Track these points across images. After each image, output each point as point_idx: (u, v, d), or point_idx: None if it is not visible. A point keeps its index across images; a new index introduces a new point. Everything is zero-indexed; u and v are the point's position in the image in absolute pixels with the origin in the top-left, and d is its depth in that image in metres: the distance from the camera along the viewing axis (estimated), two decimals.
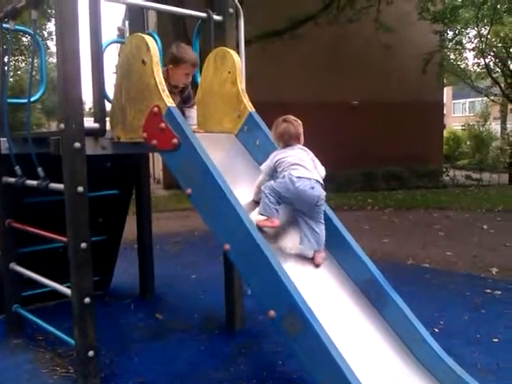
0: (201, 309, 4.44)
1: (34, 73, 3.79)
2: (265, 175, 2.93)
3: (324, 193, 2.77)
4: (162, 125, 2.77)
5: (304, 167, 2.77)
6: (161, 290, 4.93)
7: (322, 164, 2.96)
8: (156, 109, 2.80)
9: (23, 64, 23.09)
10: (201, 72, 3.72)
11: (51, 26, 20.01)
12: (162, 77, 2.85)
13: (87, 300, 3.03)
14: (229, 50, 3.49)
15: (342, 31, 13.67)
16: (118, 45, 4.43)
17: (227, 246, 2.55)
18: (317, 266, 2.74)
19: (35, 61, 3.84)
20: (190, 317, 4.26)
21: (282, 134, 2.93)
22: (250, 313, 4.13)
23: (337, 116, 14.66)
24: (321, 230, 2.76)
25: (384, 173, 14.08)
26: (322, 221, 2.78)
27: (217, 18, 3.73)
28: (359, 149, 14.50)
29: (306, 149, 2.93)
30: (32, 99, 3.65)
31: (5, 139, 3.59)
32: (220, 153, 3.02)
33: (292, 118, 2.98)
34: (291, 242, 2.82)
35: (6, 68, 3.71)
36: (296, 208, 2.80)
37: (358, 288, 2.73)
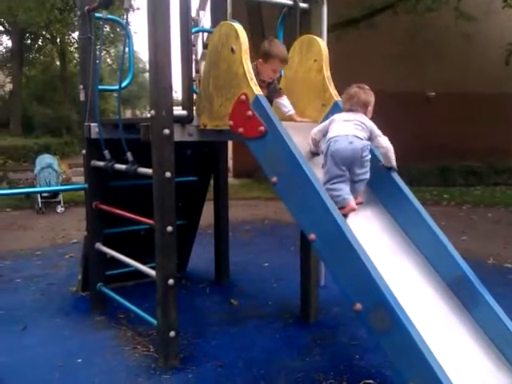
0: (274, 297, 4.46)
1: (106, 61, 3.92)
2: (318, 131, 2.94)
3: (368, 143, 2.72)
4: (249, 112, 2.78)
5: (340, 125, 2.77)
6: (235, 276, 5.00)
7: (395, 155, 2.86)
8: (243, 97, 2.82)
9: (103, 53, 24.16)
10: None
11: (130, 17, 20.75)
12: (250, 65, 2.86)
13: (171, 281, 3.13)
14: (315, 37, 3.45)
15: (420, 20, 13.15)
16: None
17: (312, 236, 2.52)
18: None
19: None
20: (264, 304, 4.29)
21: (352, 96, 2.88)
22: (324, 304, 4.12)
23: (412, 107, 14.16)
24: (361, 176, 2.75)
25: (461, 167, 13.45)
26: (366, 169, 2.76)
27: (303, 5, 3.71)
28: (435, 142, 13.93)
29: (364, 117, 2.84)
30: (122, 85, 3.76)
31: (95, 124, 3.74)
32: (304, 142, 2.98)
33: (366, 86, 2.93)
34: None
35: (97, 56, 3.86)
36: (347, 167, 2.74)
37: (446, 285, 2.63)
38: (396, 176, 2.91)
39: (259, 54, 3.26)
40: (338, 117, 2.87)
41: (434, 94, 14.85)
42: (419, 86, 14.45)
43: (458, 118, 14.39)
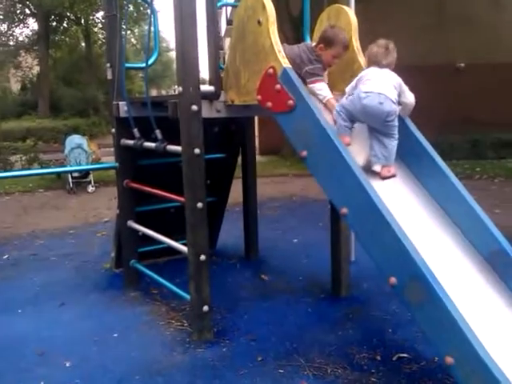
0: (305, 273, 4.46)
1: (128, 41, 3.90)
2: (347, 94, 2.91)
3: (396, 109, 2.71)
4: (278, 86, 2.74)
5: (376, 82, 2.72)
6: (264, 253, 5.02)
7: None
8: (271, 70, 2.78)
9: (127, 33, 24.16)
10: (312, 32, 3.62)
11: None
12: (277, 37, 2.80)
13: (203, 257, 3.15)
14: (343, 6, 3.36)
15: None
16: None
17: (344, 210, 2.49)
18: (383, 178, 2.76)
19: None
20: (295, 280, 4.30)
21: (389, 52, 2.85)
22: (355, 279, 4.10)
23: (441, 79, 13.74)
24: (392, 145, 2.75)
25: (493, 140, 13.09)
26: (395, 136, 2.75)
27: None
28: (466, 114, 13.53)
29: (393, 73, 2.84)
30: (149, 63, 3.75)
31: (123, 103, 3.75)
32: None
33: (392, 46, 2.90)
34: (363, 157, 2.83)
35: (123, 33, 3.85)
36: (368, 124, 2.80)
37: (483, 258, 2.58)
38: (431, 149, 2.85)
39: (319, 38, 3.18)
40: (374, 72, 2.81)
41: (463, 65, 14.39)
42: (448, 57, 14.02)
43: (489, 89, 13.93)
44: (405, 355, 2.96)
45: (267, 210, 7.14)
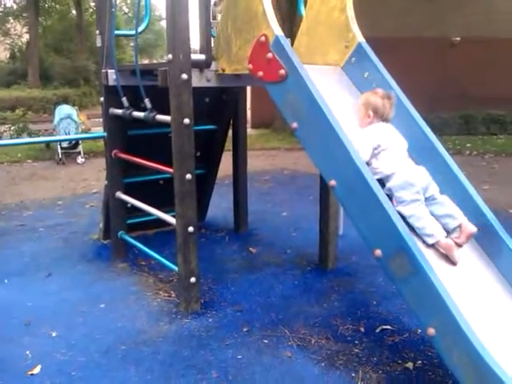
0: (293, 245, 4.48)
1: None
2: (368, 158, 2.59)
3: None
4: (269, 55, 2.69)
5: (402, 154, 2.64)
6: (253, 226, 5.02)
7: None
8: (263, 38, 2.71)
9: (119, 0, 23.60)
10: (306, 1, 3.55)
11: None
12: (270, 4, 2.73)
13: (191, 229, 3.14)
14: None
15: None
16: None
17: (333, 182, 2.48)
18: (451, 255, 2.40)
19: None
20: (283, 252, 4.32)
21: (382, 107, 2.71)
22: (342, 253, 4.13)
23: (435, 53, 13.64)
24: (440, 209, 2.50)
25: (484, 116, 13.11)
26: (440, 196, 2.54)
27: None
28: (458, 89, 13.46)
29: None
30: (139, 30, 3.66)
31: (113, 71, 3.68)
32: (326, 85, 2.88)
33: (390, 93, 2.77)
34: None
35: (113, 2, 3.75)
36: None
37: None
38: (424, 125, 2.83)
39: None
40: (380, 134, 2.65)
41: (458, 39, 14.23)
42: (443, 30, 13.84)
43: (482, 65, 13.84)
44: (388, 327, 3.00)
45: (258, 183, 7.13)
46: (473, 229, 2.45)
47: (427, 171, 2.59)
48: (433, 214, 2.48)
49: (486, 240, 2.51)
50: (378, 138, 2.62)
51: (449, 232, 2.47)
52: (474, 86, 13.52)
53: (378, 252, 2.30)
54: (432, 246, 2.41)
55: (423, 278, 2.12)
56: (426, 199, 2.50)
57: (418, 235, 2.41)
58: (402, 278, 2.22)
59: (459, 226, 2.46)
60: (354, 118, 2.85)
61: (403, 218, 2.38)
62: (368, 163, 2.55)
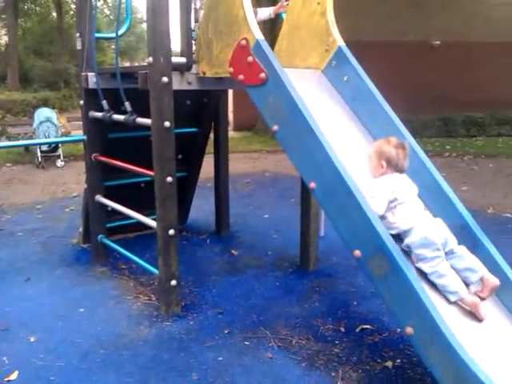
0: (274, 247, 4.50)
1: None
2: (383, 212, 2.45)
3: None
4: (250, 58, 2.71)
5: (419, 206, 2.52)
6: (235, 228, 5.03)
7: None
8: (244, 42, 2.73)
9: (100, 3, 23.47)
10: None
11: None
12: (251, 7, 2.75)
13: (171, 232, 3.14)
14: None
15: None
16: None
17: (313, 184, 2.51)
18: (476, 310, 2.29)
19: None
20: (265, 254, 4.33)
21: (396, 158, 2.54)
22: (323, 254, 4.16)
23: (416, 56, 13.81)
24: (460, 262, 2.39)
25: (463, 118, 13.34)
26: (458, 249, 2.43)
27: None
28: (438, 92, 13.67)
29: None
30: (119, 33, 3.65)
31: (93, 74, 3.66)
32: (306, 89, 2.91)
33: (405, 143, 2.62)
34: None
35: (94, 4, 3.74)
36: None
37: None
38: (401, 127, 2.88)
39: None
40: (395, 186, 2.50)
41: (438, 42, 14.45)
42: (423, 34, 14.04)
43: (462, 68, 14.06)
44: (368, 327, 3.03)
45: (240, 185, 7.15)
46: (496, 281, 2.35)
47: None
48: (453, 268, 2.37)
49: (463, 240, 2.55)
50: (394, 191, 2.47)
51: (469, 285, 2.38)
52: (453, 88, 13.74)
53: (358, 253, 2.32)
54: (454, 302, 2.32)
55: (401, 278, 2.15)
56: (446, 253, 2.39)
57: (439, 291, 2.33)
58: (381, 277, 2.25)
59: (481, 279, 2.37)
60: (333, 121, 2.88)
61: (424, 274, 2.33)
62: (382, 217, 2.42)
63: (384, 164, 2.54)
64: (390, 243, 2.21)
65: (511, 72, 14.89)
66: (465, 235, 2.55)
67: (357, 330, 3.00)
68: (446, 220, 2.56)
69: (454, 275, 2.34)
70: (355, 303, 3.38)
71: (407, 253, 2.41)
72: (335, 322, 3.10)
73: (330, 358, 2.70)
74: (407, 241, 2.40)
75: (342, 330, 3.01)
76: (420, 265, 2.35)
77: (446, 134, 12.76)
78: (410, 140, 2.84)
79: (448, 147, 10.76)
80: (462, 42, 13.96)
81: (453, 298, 2.29)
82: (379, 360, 2.67)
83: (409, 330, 2.14)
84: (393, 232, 2.39)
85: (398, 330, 2.92)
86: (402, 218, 2.44)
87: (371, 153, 2.61)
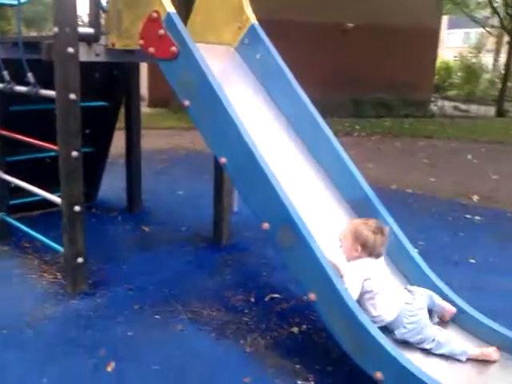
0: (187, 223, 4.51)
1: None
2: (356, 297, 2.32)
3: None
4: (161, 31, 2.66)
5: (396, 289, 2.48)
6: (147, 205, 4.96)
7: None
8: (155, 14, 2.68)
9: None
10: None
11: None
12: None
13: (77, 208, 3.04)
14: None
15: None
16: None
17: (223, 160, 2.55)
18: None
19: None
20: (177, 230, 4.33)
21: (373, 243, 2.41)
22: (237, 229, 4.24)
23: (328, 38, 14.15)
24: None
25: (373, 100, 13.99)
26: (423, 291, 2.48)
27: None
28: (350, 74, 14.14)
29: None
30: (22, 0, 3.43)
31: None
32: (218, 65, 2.93)
33: (384, 228, 2.48)
34: None
35: None
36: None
37: (350, 207, 2.81)
38: (310, 105, 2.98)
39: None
40: (377, 270, 2.43)
41: (351, 25, 14.85)
42: (337, 16, 14.37)
43: (374, 51, 14.61)
44: (277, 296, 3.16)
45: (154, 162, 7.02)
46: (453, 309, 2.47)
47: (312, 149, 2.73)
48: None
49: (364, 211, 2.72)
50: (369, 279, 2.35)
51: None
52: (364, 71, 14.28)
53: (266, 225, 2.41)
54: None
55: (305, 248, 2.27)
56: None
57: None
58: (287, 248, 2.37)
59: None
60: (245, 97, 2.92)
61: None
62: (365, 310, 2.31)
63: (359, 248, 2.40)
64: (296, 215, 2.31)
65: (419, 56, 15.74)
66: (365, 207, 2.73)
67: (266, 299, 3.12)
68: (350, 193, 2.72)
69: (453, 337, 2.36)
70: (265, 274, 3.50)
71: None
72: (245, 293, 3.19)
73: (240, 326, 2.79)
74: (398, 333, 2.32)
75: (252, 300, 3.11)
76: (422, 346, 2.31)
77: (357, 115, 13.32)
78: (318, 118, 2.95)
79: (357, 127, 11.25)
80: (374, 25, 14.44)
81: (463, 358, 2.28)
82: (286, 326, 2.80)
83: (312, 296, 2.27)
84: (379, 325, 2.29)
85: (305, 297, 3.04)
86: (383, 310, 2.34)
87: (346, 232, 2.47)
